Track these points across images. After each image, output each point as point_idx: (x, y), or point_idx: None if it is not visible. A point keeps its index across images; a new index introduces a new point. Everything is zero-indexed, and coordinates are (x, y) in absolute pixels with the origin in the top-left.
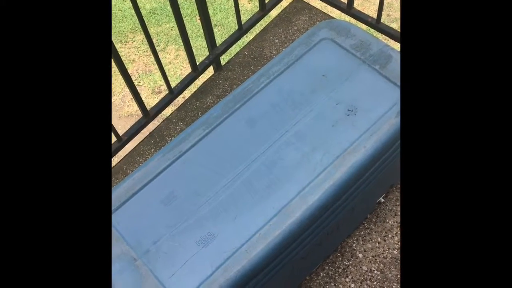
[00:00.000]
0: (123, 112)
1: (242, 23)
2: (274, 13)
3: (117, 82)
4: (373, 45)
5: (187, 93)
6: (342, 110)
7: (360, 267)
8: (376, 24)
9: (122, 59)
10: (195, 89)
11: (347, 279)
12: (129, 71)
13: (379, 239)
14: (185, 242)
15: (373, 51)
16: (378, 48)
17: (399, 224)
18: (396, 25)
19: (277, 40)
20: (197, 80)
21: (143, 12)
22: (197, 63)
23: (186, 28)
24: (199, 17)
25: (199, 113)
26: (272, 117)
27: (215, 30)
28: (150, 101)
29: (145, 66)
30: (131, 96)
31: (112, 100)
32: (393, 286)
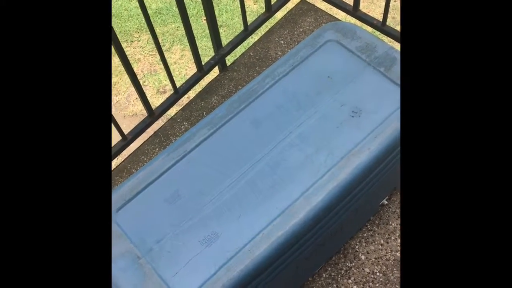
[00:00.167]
0: (127, 111)
1: (248, 24)
2: (279, 14)
3: (122, 81)
4: (378, 47)
5: (191, 93)
6: (347, 111)
7: (363, 269)
8: (381, 26)
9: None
10: (200, 89)
11: (350, 281)
12: (134, 70)
13: (382, 241)
14: (189, 241)
15: (378, 54)
16: (383, 50)
17: None
18: None
19: (282, 42)
20: (202, 80)
21: (148, 12)
22: (203, 63)
23: (192, 29)
24: (204, 18)
25: (204, 113)
26: (276, 118)
27: (220, 30)
28: (155, 101)
29: (150, 65)
30: (136, 96)
31: (117, 100)
32: None
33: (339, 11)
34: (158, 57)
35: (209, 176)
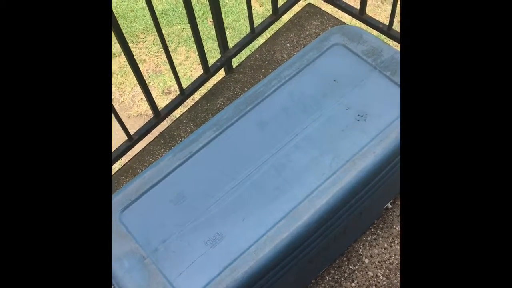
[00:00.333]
0: (132, 111)
1: (255, 26)
2: (286, 17)
3: (127, 81)
4: (384, 51)
5: (196, 95)
6: (352, 115)
7: (366, 272)
8: (387, 30)
9: None
10: (205, 91)
11: (353, 284)
12: None
13: (385, 245)
14: (194, 241)
15: (384, 58)
16: (390, 54)
17: None
18: None
19: (288, 44)
20: (207, 82)
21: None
22: (209, 65)
23: (199, 30)
24: (210, 20)
25: (210, 114)
26: (282, 120)
27: (225, 32)
28: (160, 102)
29: (156, 66)
30: (141, 96)
31: (122, 100)
32: None
33: (345, 14)
34: (163, 58)
35: (214, 177)
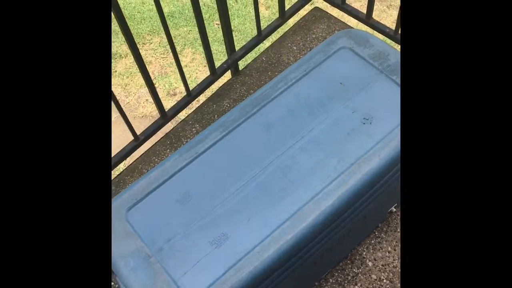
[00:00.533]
0: (137, 112)
1: (261, 29)
2: (292, 20)
3: (132, 82)
4: (391, 55)
5: (202, 97)
6: (358, 118)
7: (370, 276)
8: (394, 35)
9: None
10: (210, 93)
11: (356, 287)
12: None
13: (389, 249)
14: (199, 241)
15: (391, 62)
16: (396, 58)
17: None
18: None
19: (295, 47)
20: (213, 84)
21: None
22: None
23: (206, 32)
24: (216, 22)
25: (216, 116)
26: (288, 122)
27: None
28: (165, 103)
29: (161, 68)
30: (146, 97)
31: (127, 101)
32: None
33: (352, 18)
34: (169, 60)
35: (220, 178)
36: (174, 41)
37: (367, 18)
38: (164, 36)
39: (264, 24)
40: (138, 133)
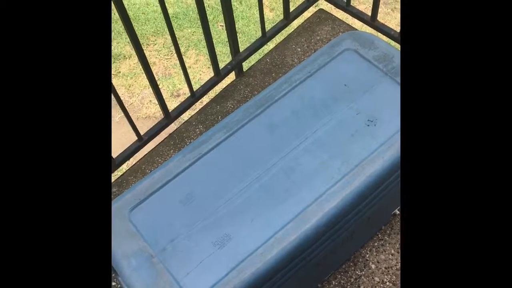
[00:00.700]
0: (141, 113)
1: (266, 30)
2: (297, 22)
3: (136, 83)
4: (395, 57)
5: (205, 99)
6: (362, 120)
7: (373, 278)
8: (398, 37)
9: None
10: (214, 95)
11: None
12: None
13: (392, 251)
14: (202, 242)
15: (395, 64)
16: None
17: None
18: None
19: (299, 49)
20: (217, 85)
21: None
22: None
23: (211, 33)
24: (220, 24)
25: (219, 117)
26: (292, 123)
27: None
28: (169, 105)
29: (165, 69)
30: (150, 98)
31: (131, 102)
32: None
33: (356, 21)
34: (172, 61)
35: (223, 178)
36: (178, 42)
37: (372, 20)
38: (168, 37)
39: (268, 26)
40: (141, 133)
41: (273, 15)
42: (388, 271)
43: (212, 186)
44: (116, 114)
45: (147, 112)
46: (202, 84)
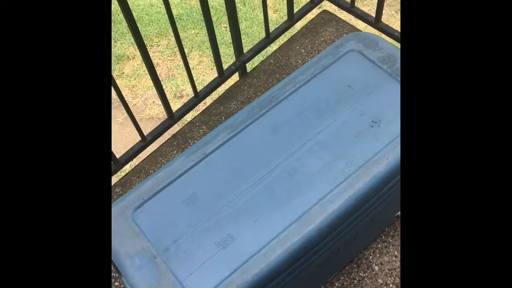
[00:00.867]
0: (144, 114)
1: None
2: (301, 23)
3: (140, 84)
4: (400, 58)
5: (208, 100)
6: (366, 121)
7: (376, 280)
8: None
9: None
10: (217, 95)
11: None
12: None
13: (396, 253)
14: (205, 242)
15: (399, 65)
16: None
17: None
18: None
19: (303, 50)
20: (220, 86)
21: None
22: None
23: (215, 34)
24: (224, 25)
25: (223, 117)
26: (296, 124)
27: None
28: (172, 106)
29: (168, 70)
30: (153, 99)
31: (134, 102)
32: None
33: (360, 22)
34: (176, 62)
35: (227, 179)
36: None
37: (376, 22)
38: (171, 39)
39: (272, 28)
40: (145, 134)
41: (276, 17)
42: (392, 273)
43: (216, 186)
44: (120, 115)
45: (150, 113)
46: (205, 85)
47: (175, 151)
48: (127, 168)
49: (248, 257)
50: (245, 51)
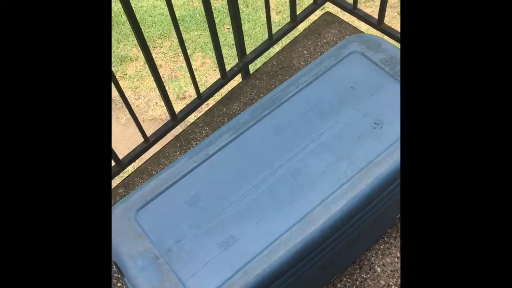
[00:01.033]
0: (147, 115)
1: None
2: (303, 25)
3: (142, 86)
4: None
5: (211, 101)
6: (369, 122)
7: (378, 281)
8: None
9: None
10: (220, 97)
11: None
12: None
13: (398, 254)
14: (207, 243)
15: None
16: None
17: None
18: None
19: (306, 52)
20: (223, 87)
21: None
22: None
23: (218, 35)
24: (227, 26)
25: (225, 119)
26: (298, 126)
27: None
28: (175, 107)
29: (171, 71)
30: (156, 101)
31: (137, 104)
32: None
33: (362, 24)
34: (178, 63)
35: (229, 180)
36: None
37: (378, 24)
38: (174, 40)
39: (274, 29)
40: (148, 135)
41: (279, 18)
42: (394, 274)
43: (218, 187)
44: (123, 116)
45: (153, 114)
46: (208, 86)
47: (178, 152)
48: (130, 169)
49: (250, 258)
50: (247, 52)
